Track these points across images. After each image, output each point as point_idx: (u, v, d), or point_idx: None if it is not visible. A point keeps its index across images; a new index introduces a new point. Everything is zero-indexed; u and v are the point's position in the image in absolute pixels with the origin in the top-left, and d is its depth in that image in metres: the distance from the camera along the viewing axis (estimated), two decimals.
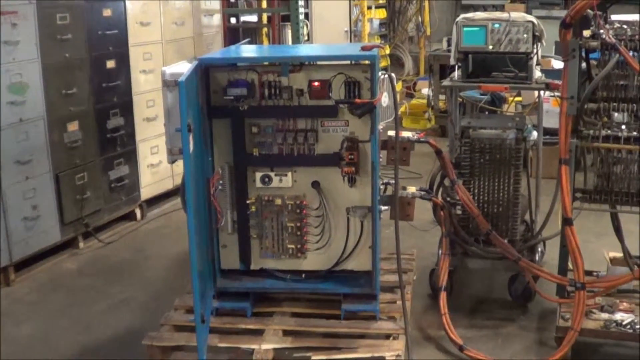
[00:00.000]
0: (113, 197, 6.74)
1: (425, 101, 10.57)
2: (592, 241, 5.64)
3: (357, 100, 4.29)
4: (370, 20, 11.30)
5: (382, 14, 12.14)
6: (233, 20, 8.95)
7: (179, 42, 7.45)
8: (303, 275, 4.68)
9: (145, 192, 7.19)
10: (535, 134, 5.25)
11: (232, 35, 8.23)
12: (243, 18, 9.54)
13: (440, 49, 10.85)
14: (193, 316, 4.38)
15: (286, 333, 4.47)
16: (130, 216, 7.08)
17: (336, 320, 4.55)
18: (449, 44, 10.72)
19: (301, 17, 7.03)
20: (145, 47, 7.03)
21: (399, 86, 11.27)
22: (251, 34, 8.55)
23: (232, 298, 4.62)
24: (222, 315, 4.60)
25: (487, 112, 7.19)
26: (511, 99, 8.26)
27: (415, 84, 11.65)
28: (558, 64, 7.97)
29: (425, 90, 10.79)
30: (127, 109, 6.84)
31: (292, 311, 4.67)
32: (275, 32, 7.34)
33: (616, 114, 4.39)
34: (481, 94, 7.58)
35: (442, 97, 10.53)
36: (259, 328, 4.50)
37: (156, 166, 7.27)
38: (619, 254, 4.99)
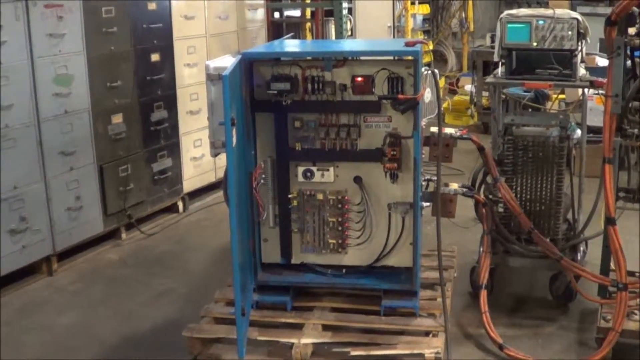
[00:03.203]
0: (156, 189, 6.80)
1: (468, 98, 10.52)
2: (634, 241, 5.56)
3: (400, 96, 4.28)
4: (414, 15, 11.26)
5: (425, 9, 12.09)
6: (277, 14, 8.97)
7: (222, 36, 7.49)
8: (344, 271, 4.68)
9: (188, 185, 7.25)
10: (579, 132, 5.21)
11: (276, 30, 8.25)
12: (287, 13, 9.56)
13: (484, 45, 10.81)
14: (233, 309, 4.41)
15: (325, 328, 4.48)
16: (173, 208, 7.14)
17: (375, 316, 4.54)
18: (493, 41, 10.72)
19: (344, 12, 7.02)
20: (190, 40, 7.09)
21: (441, 82, 11.23)
22: (294, 28, 8.57)
23: (272, 292, 4.64)
24: (262, 308, 4.62)
25: (530, 110, 7.13)
26: (555, 96, 8.17)
27: (458, 80, 11.59)
28: (602, 62, 7.89)
29: (468, 87, 10.73)
30: (170, 102, 6.90)
31: (332, 306, 4.68)
32: (319, 27, 7.34)
33: None
34: (524, 91, 7.52)
35: (485, 93, 10.47)
36: (298, 322, 4.51)
37: (199, 159, 7.32)
38: None
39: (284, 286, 4.65)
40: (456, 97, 10.94)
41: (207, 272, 5.88)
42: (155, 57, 6.65)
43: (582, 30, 4.94)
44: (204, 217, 7.16)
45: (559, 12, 4.95)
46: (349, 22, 7.82)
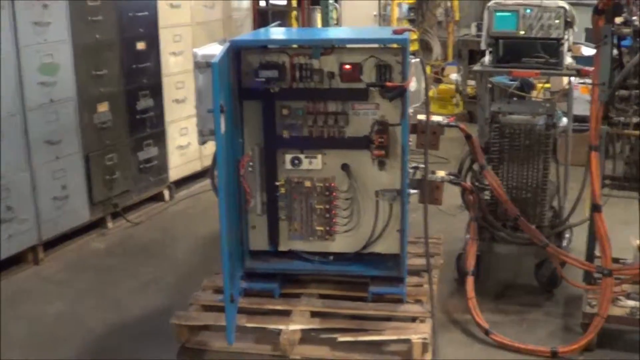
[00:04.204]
0: (142, 178, 6.79)
1: (453, 86, 10.55)
2: (619, 228, 5.59)
3: (389, 84, 4.29)
4: (399, 4, 11.25)
5: None
6: (262, 3, 8.93)
7: (208, 24, 7.47)
8: (331, 257, 4.69)
9: (174, 174, 7.24)
10: (565, 120, 5.24)
11: (262, 18, 8.22)
12: (272, 1, 9.54)
13: (470, 34, 10.82)
14: (221, 296, 4.43)
15: (313, 314, 4.50)
16: (159, 197, 7.14)
17: (363, 303, 4.56)
18: (479, 29, 10.75)
19: (331, 0, 7.01)
20: (175, 29, 7.07)
21: (427, 71, 11.25)
22: (280, 17, 8.55)
23: (260, 279, 4.65)
24: (250, 295, 4.62)
25: (515, 98, 7.17)
26: (540, 85, 8.21)
27: (443, 69, 11.61)
28: (588, 51, 7.93)
29: (454, 76, 10.76)
30: (156, 91, 6.88)
31: (320, 293, 4.69)
32: (305, 16, 7.33)
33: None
34: (510, 80, 7.55)
35: (470, 82, 10.51)
36: (286, 309, 4.52)
37: (185, 148, 7.31)
38: None
39: (271, 273, 4.67)
40: (441, 86, 10.96)
41: (193, 260, 5.88)
42: (140, 45, 6.63)
43: (569, 19, 4.96)
44: (190, 205, 7.16)
45: (547, 1, 4.96)
46: (335, 11, 7.80)
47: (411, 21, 12.38)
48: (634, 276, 4.59)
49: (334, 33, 5.46)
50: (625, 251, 5.11)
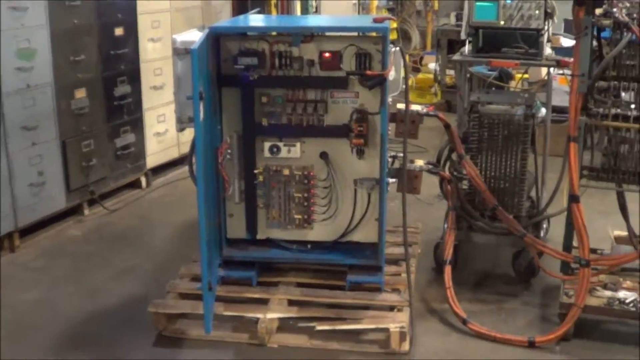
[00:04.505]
0: (119, 164, 6.74)
1: (431, 76, 10.54)
2: (596, 219, 5.64)
3: (369, 72, 4.29)
4: None
5: None
6: None
7: (187, 10, 7.42)
8: (309, 246, 4.70)
9: (151, 161, 7.19)
10: (543, 110, 5.26)
11: (240, 4, 8.17)
12: None
13: (449, 24, 10.82)
14: (198, 284, 4.44)
15: (291, 303, 4.50)
16: (136, 184, 7.08)
17: (341, 291, 4.58)
18: (458, 19, 10.76)
19: None
20: (154, 15, 7.00)
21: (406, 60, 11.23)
22: (260, 4, 8.49)
23: (237, 267, 4.64)
24: (228, 284, 4.62)
25: (493, 88, 7.17)
26: (518, 75, 8.22)
27: (422, 58, 11.60)
28: (566, 42, 7.95)
29: (432, 65, 10.75)
30: (134, 77, 6.82)
31: (297, 281, 4.70)
32: (284, 3, 7.29)
33: (624, 94, 4.38)
34: (489, 70, 7.55)
35: (449, 72, 10.51)
36: (264, 297, 4.52)
37: (162, 135, 7.26)
38: (623, 233, 5.00)
39: (249, 261, 4.66)
40: (420, 75, 10.95)
41: (171, 247, 5.85)
42: (119, 31, 6.57)
43: (549, 10, 4.96)
44: (167, 192, 7.12)
45: None
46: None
47: (390, 10, 12.37)
48: (611, 267, 4.62)
49: (314, 21, 5.44)
50: (602, 241, 5.16)
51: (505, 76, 7.99)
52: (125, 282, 5.24)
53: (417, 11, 13.23)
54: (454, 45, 10.43)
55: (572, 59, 4.53)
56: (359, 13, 10.19)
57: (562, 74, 7.01)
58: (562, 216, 4.86)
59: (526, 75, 8.56)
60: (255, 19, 5.04)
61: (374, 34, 4.40)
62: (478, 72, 7.35)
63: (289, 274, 4.75)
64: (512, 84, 7.97)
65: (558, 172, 4.86)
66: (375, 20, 4.36)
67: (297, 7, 7.27)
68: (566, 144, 4.36)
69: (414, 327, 4.47)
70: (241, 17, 5.12)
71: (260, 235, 4.71)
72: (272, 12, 7.46)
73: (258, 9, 5.58)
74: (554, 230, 5.47)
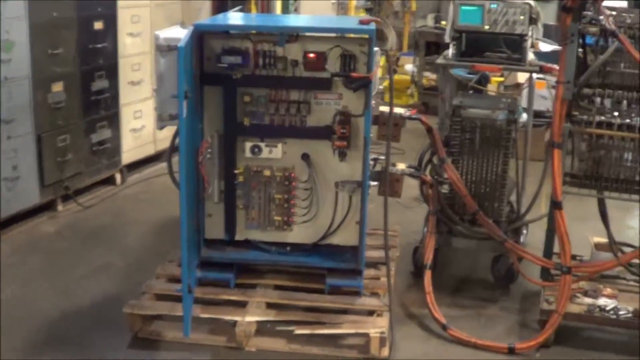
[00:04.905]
0: (94, 160, 6.64)
1: (407, 77, 10.53)
2: (573, 225, 5.60)
3: (354, 74, 4.25)
4: None
5: None
6: None
7: (167, 6, 7.33)
8: (288, 248, 4.65)
9: (127, 157, 7.10)
10: (525, 116, 5.24)
11: (220, 2, 8.11)
12: None
13: (427, 26, 10.82)
14: (175, 285, 4.40)
15: (269, 306, 4.44)
16: (111, 180, 6.99)
17: (319, 295, 4.53)
18: (436, 21, 10.75)
19: None
20: (134, 9, 6.91)
21: (382, 61, 11.21)
22: (240, 1, 8.42)
23: (215, 268, 4.58)
24: (205, 285, 4.55)
25: (471, 91, 7.16)
26: (494, 79, 8.22)
27: (398, 59, 11.58)
28: (545, 47, 7.95)
29: (408, 67, 10.74)
30: (112, 72, 6.72)
31: (276, 284, 4.64)
32: (264, 2, 7.24)
33: (598, 100, 4.39)
34: (468, 73, 7.53)
35: (426, 73, 10.50)
36: (241, 300, 4.47)
37: (139, 131, 7.17)
38: (603, 239, 5.00)
39: (227, 263, 4.60)
40: (396, 76, 10.92)
41: (145, 246, 5.77)
42: (98, 25, 6.46)
43: (534, 16, 4.94)
44: (142, 190, 7.04)
45: None
46: None
47: (368, 10, 12.35)
48: (591, 273, 4.62)
49: (299, 21, 5.38)
50: (581, 248, 5.14)
51: (484, 80, 8.00)
52: (99, 281, 5.16)
53: (394, 12, 13.21)
54: (432, 47, 10.45)
55: (554, 65, 4.53)
56: (337, 13, 10.17)
57: (541, 79, 7.02)
58: (539, 221, 4.88)
59: (501, 79, 8.58)
60: (240, 18, 4.98)
61: (359, 35, 4.35)
62: (458, 75, 7.34)
63: (267, 276, 4.69)
64: (490, 87, 8.00)
65: (534, 177, 4.85)
66: (362, 22, 4.33)
67: (277, 6, 7.20)
68: (550, 150, 4.34)
69: (393, 332, 4.44)
70: (225, 15, 5.04)
71: (239, 237, 4.65)
72: (252, 11, 7.41)
73: (240, 7, 5.53)
74: (531, 236, 5.47)
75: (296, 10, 8.01)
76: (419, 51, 10.25)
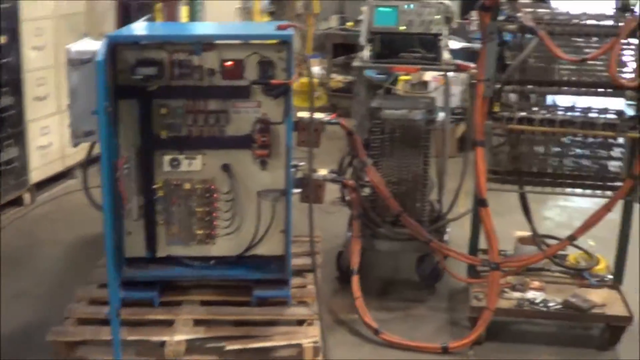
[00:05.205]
0: (1, 181, 6.38)
1: (315, 80, 10.49)
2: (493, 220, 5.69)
3: (274, 81, 4.17)
4: None
5: None
6: None
7: (71, 17, 7.09)
8: (212, 262, 4.53)
9: (35, 175, 6.84)
10: (442, 114, 5.24)
11: (125, 11, 7.91)
12: None
13: (333, 28, 10.82)
14: (97, 308, 4.25)
15: (197, 323, 4.30)
16: (19, 201, 6.72)
17: (247, 307, 4.41)
18: (342, 23, 10.74)
19: None
20: (37, 22, 6.67)
21: None
22: (146, 10, 8.22)
23: (138, 287, 4.42)
24: (129, 305, 4.35)
25: (379, 91, 7.16)
26: (401, 77, 8.27)
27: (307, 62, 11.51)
28: (454, 45, 8.01)
29: (315, 69, 10.71)
30: (16, 88, 6.46)
31: (202, 299, 4.50)
32: (172, 9, 7.08)
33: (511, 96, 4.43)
34: (377, 74, 7.54)
35: (333, 75, 10.49)
36: (168, 318, 4.31)
37: (46, 148, 6.92)
38: (526, 233, 5.03)
39: (150, 281, 4.45)
40: (302, 79, 10.85)
41: (62, 268, 5.57)
42: (2, 39, 6.21)
43: (449, 15, 4.95)
44: (53, 209, 6.80)
45: None
46: (203, 4, 7.58)
47: (271, 13, 12.26)
48: (519, 268, 4.65)
49: (216, 29, 5.25)
50: (504, 242, 5.15)
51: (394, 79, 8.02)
52: (18, 308, 4.93)
53: (297, 14, 13.16)
54: (338, 48, 10.45)
55: (470, 63, 4.55)
56: (242, 18, 10.07)
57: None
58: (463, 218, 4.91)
59: (408, 77, 8.63)
60: (152, 27, 4.83)
61: (278, 41, 4.27)
62: (370, 77, 7.34)
63: (192, 292, 4.55)
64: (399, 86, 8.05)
65: (450, 174, 4.85)
66: (280, 28, 4.24)
67: (183, 12, 7.06)
68: (473, 148, 4.34)
69: (325, 340, 4.37)
70: (136, 25, 4.88)
71: (160, 253, 4.51)
72: (157, 19, 7.24)
73: (149, 16, 5.38)
74: (451, 232, 5.49)
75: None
76: (326, 53, 10.23)
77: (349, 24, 10.76)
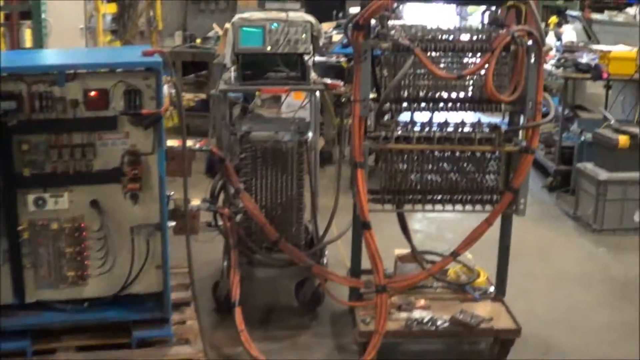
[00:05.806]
0: None
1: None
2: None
3: (145, 111, 3.95)
4: (104, 15, 10.73)
5: (112, 8, 11.56)
6: None
7: None
8: (86, 304, 4.26)
9: None
10: (310, 134, 5.14)
11: None
12: None
13: (180, 46, 10.60)
14: None
15: None
16: None
17: (128, 350, 4.19)
18: (186, 41, 10.54)
19: (43, 15, 6.41)
20: None
21: None
22: None
23: (8, 337, 4.10)
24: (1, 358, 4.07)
25: (238, 110, 7.01)
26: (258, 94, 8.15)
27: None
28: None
29: (164, 88, 10.43)
30: None
31: (77, 345, 4.22)
32: (15, 33, 6.67)
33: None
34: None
35: (185, 94, 10.24)
36: None
37: None
38: (404, 250, 4.99)
39: (20, 330, 4.14)
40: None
41: None
42: None
43: (315, 33, 4.86)
44: None
45: (293, 15, 4.82)
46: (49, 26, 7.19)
47: (113, 32, 11.90)
48: (404, 288, 4.59)
49: (78, 56, 4.93)
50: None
51: (251, 98, 7.90)
52: None
53: (140, 32, 12.84)
54: (188, 67, 10.23)
55: (338, 82, 4.48)
56: (86, 39, 9.70)
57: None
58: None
59: (259, 93, 8.52)
60: (8, 58, 4.48)
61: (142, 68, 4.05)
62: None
63: (67, 338, 4.24)
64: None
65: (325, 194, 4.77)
66: (145, 54, 4.03)
67: (27, 36, 6.67)
68: (352, 170, 4.25)
69: None
70: None
71: (29, 299, 4.20)
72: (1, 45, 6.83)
73: None
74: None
75: None
76: (176, 72, 9.98)
77: (198, 40, 10.56)
